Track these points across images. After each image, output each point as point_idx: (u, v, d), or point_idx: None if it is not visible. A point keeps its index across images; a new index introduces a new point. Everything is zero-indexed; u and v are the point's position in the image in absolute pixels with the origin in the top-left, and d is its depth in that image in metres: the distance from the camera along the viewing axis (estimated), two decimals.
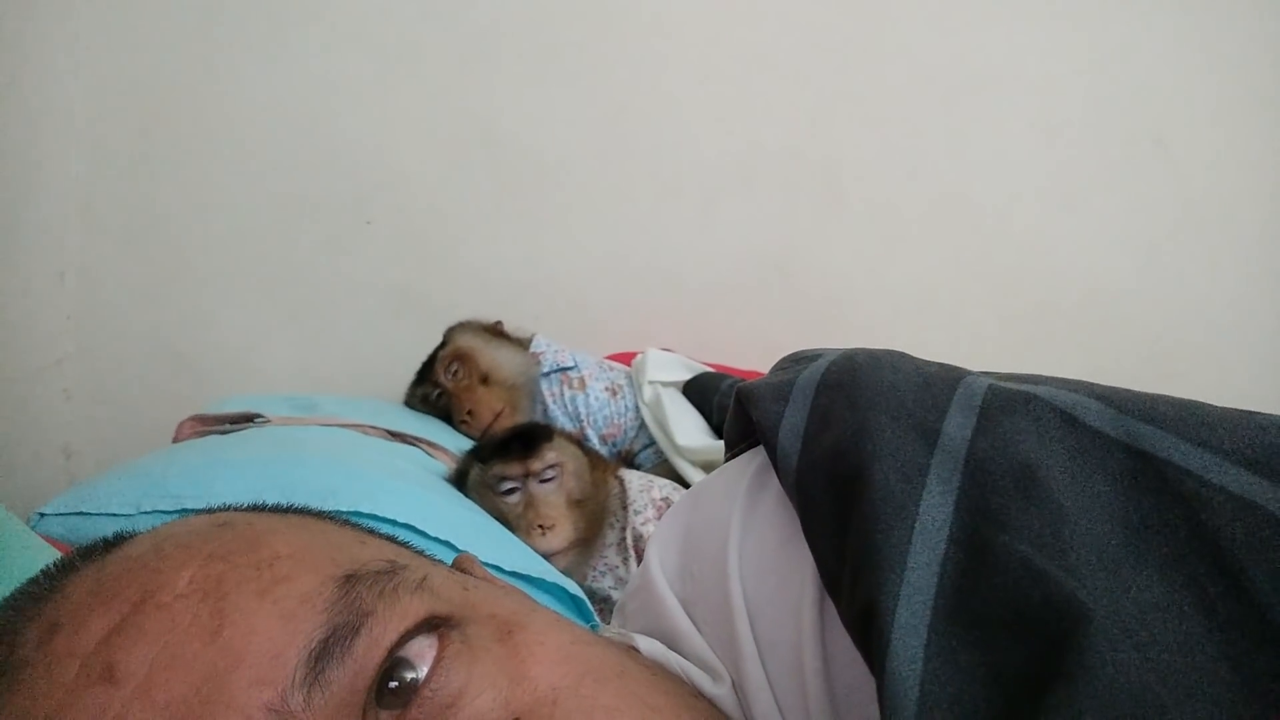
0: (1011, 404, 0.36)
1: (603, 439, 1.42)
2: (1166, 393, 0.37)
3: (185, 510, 0.77)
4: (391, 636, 0.31)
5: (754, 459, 0.44)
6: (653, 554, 0.46)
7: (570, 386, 1.44)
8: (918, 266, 1.78)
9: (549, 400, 1.44)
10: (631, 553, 1.07)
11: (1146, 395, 0.36)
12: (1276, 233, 1.77)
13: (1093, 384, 0.38)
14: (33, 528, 0.79)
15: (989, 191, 1.77)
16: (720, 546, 0.41)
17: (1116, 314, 1.78)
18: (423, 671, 0.31)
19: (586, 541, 1.06)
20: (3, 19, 1.51)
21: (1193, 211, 1.77)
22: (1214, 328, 1.78)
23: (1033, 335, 1.78)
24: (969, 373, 0.40)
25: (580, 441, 1.18)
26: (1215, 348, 1.79)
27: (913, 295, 1.78)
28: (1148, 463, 0.33)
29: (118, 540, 0.36)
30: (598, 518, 1.08)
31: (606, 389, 1.44)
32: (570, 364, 1.47)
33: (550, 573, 0.90)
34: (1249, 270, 1.77)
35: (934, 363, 0.42)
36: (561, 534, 1.02)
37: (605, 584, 1.07)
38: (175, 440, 1.11)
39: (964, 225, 1.78)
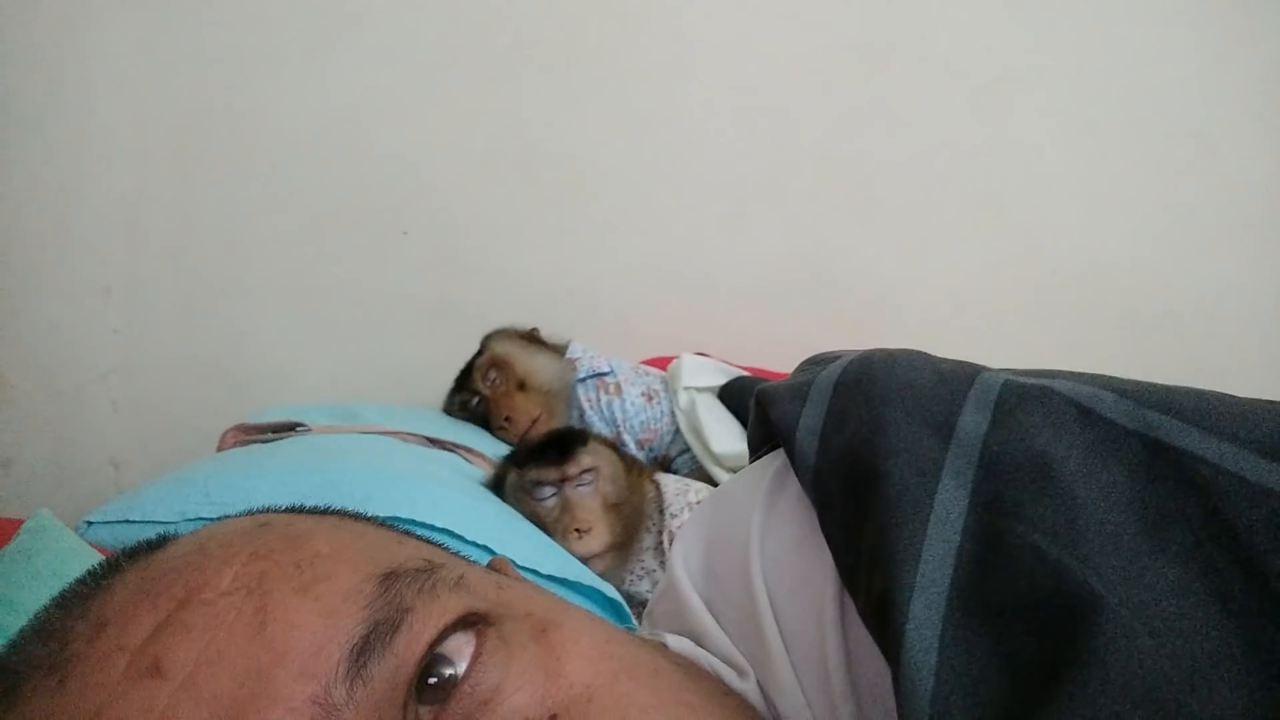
0: (1026, 398, 0.37)
1: (639, 444, 1.42)
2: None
3: (227, 517, 0.79)
4: (431, 633, 0.32)
5: (774, 460, 0.45)
6: (677, 556, 0.46)
7: (606, 392, 1.44)
8: (953, 266, 1.76)
9: (585, 406, 1.44)
10: (668, 556, 1.07)
11: (1162, 386, 0.36)
12: None
13: (1110, 377, 0.38)
14: (81, 535, 0.80)
15: (1024, 189, 1.75)
16: (742, 546, 0.42)
17: (1159, 310, 1.76)
18: (461, 668, 0.32)
19: (623, 545, 1.06)
20: (45, 37, 1.55)
21: (1234, 205, 1.74)
22: (1258, 323, 1.75)
23: (1071, 332, 1.76)
24: (985, 369, 0.40)
25: (616, 446, 1.18)
26: (1261, 344, 1.75)
27: (949, 294, 1.77)
28: (1163, 452, 0.33)
29: (161, 541, 0.37)
30: (634, 522, 1.08)
31: (643, 394, 1.44)
32: (606, 369, 1.47)
33: (588, 576, 0.91)
34: None
35: (950, 360, 0.42)
36: (598, 537, 1.02)
37: (642, 587, 1.07)
38: (219, 449, 1.13)
39: (999, 223, 1.76)
